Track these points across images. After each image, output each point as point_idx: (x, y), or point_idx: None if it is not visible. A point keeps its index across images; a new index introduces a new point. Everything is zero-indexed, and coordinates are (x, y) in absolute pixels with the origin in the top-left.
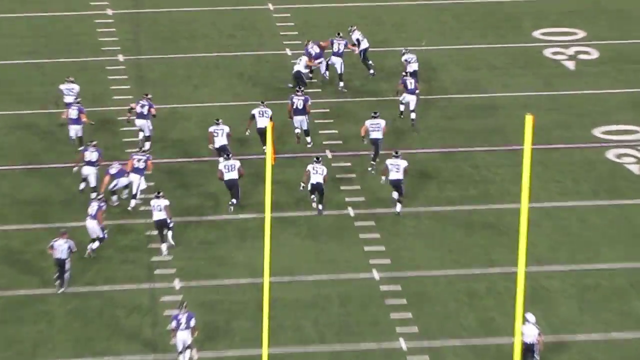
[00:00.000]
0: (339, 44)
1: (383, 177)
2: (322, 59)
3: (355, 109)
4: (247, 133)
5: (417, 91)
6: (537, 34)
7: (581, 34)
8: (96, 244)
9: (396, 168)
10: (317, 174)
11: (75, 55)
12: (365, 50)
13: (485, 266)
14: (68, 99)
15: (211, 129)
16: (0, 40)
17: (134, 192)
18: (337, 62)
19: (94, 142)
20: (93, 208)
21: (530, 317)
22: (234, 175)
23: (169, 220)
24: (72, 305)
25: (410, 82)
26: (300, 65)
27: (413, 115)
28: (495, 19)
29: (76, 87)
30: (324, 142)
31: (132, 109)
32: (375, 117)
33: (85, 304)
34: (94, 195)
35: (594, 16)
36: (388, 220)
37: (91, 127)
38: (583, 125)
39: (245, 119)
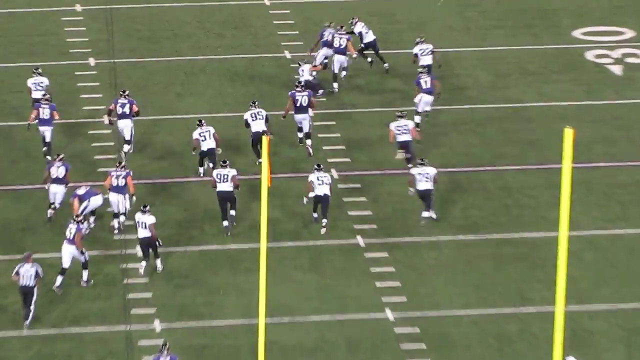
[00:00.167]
0: (340, 38)
1: (411, 189)
2: (326, 60)
3: (364, 119)
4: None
5: (433, 90)
6: (577, 33)
7: (629, 33)
8: (60, 279)
9: (425, 177)
10: (322, 184)
11: (39, 59)
12: (374, 43)
13: (518, 305)
14: (36, 94)
15: (195, 134)
16: None
17: (116, 210)
18: (340, 60)
19: (61, 156)
20: (71, 231)
21: None
22: (227, 186)
23: (156, 241)
24: (34, 350)
25: (425, 81)
26: (305, 75)
27: (428, 107)
28: (529, 16)
29: (45, 81)
30: (328, 160)
31: (111, 111)
32: (401, 117)
33: (51, 348)
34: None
35: None
36: (404, 251)
37: (61, 138)
38: (631, 140)
39: (238, 131)
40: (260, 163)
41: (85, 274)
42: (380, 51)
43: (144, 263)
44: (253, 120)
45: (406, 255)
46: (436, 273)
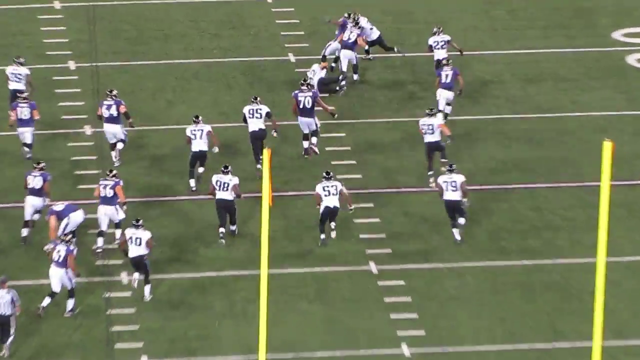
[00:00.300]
0: (350, 32)
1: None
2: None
3: (377, 129)
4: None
5: (454, 86)
6: (617, 35)
7: None
8: (47, 301)
9: (452, 186)
10: (329, 195)
11: (12, 62)
12: (380, 40)
13: (550, 339)
14: (14, 85)
15: (188, 131)
16: None
17: (103, 226)
18: (348, 56)
19: (41, 165)
20: (60, 253)
21: None
22: (227, 195)
23: (146, 260)
24: None
25: (447, 74)
26: (317, 75)
27: (448, 109)
28: (563, 15)
29: (24, 71)
30: (337, 176)
31: (101, 117)
32: (430, 115)
33: None
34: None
35: None
36: (422, 279)
37: (36, 150)
38: None
39: (236, 139)
40: (260, 170)
41: (70, 303)
42: (399, 52)
43: (136, 275)
44: (250, 117)
45: (424, 284)
46: (458, 303)
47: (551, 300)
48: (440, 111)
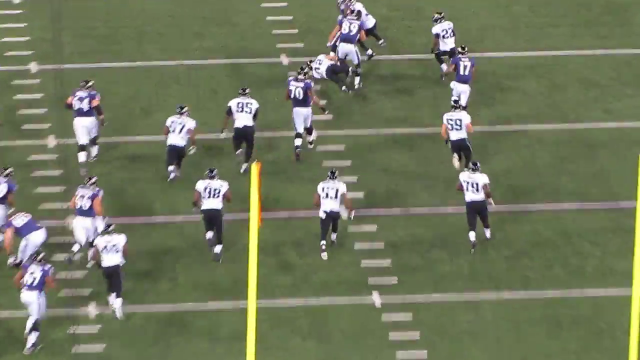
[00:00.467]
0: (350, 23)
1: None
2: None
3: (382, 142)
4: (222, 135)
5: (470, 79)
6: None
7: None
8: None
9: (472, 186)
10: (328, 197)
11: None
12: (374, 29)
13: None
14: None
15: (169, 120)
16: None
17: (82, 242)
18: (347, 50)
19: (7, 171)
20: (34, 275)
21: None
22: (216, 203)
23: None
24: None
25: (465, 66)
26: (323, 67)
27: (463, 102)
28: (593, 11)
29: None
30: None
31: (69, 106)
32: (455, 109)
33: None
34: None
35: None
36: (431, 312)
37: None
38: None
39: (218, 156)
40: (245, 171)
41: (33, 337)
42: (383, 44)
43: (116, 303)
44: (238, 111)
45: (434, 317)
46: (473, 340)
47: (579, 337)
48: (463, 107)
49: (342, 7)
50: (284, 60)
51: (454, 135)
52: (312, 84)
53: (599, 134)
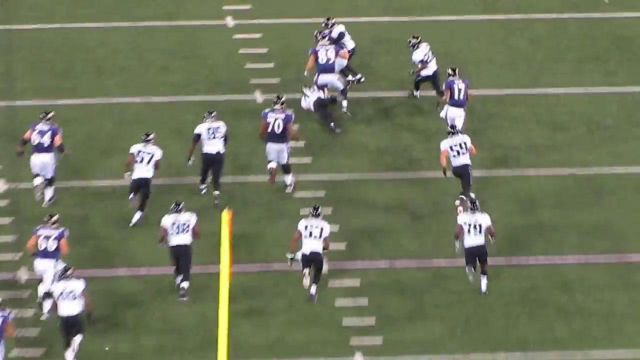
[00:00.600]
0: (326, 50)
1: (457, 243)
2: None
3: (367, 187)
4: (189, 163)
5: (466, 102)
6: None
7: None
8: None
9: (476, 228)
10: (311, 237)
11: None
12: (353, 51)
13: None
14: None
15: (134, 148)
16: None
17: (50, 285)
18: (328, 81)
19: None
20: None
21: None
22: (185, 239)
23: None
24: None
25: (460, 89)
26: (314, 96)
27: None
28: (600, 45)
29: None
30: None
31: (25, 141)
32: (454, 134)
33: None
34: None
35: None
36: None
37: None
38: None
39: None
40: (217, 197)
41: None
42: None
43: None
44: (209, 138)
45: None
46: None
47: None
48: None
49: (319, 37)
50: (258, 97)
51: (458, 161)
52: (293, 116)
53: (605, 180)
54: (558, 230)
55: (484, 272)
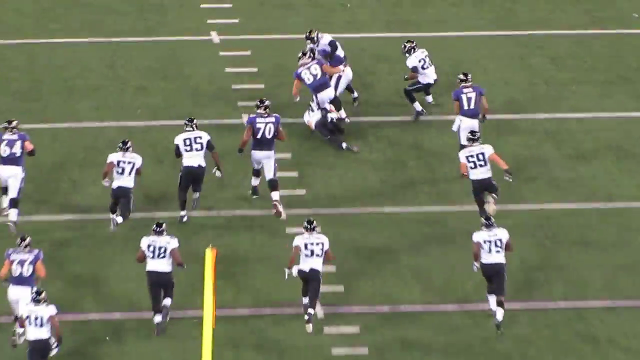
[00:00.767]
0: (309, 68)
1: (475, 264)
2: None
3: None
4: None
5: (479, 112)
6: None
7: None
8: None
9: (497, 245)
10: (314, 255)
11: None
12: (344, 62)
13: None
14: None
15: (113, 157)
16: None
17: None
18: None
19: None
20: None
21: None
22: (163, 265)
23: (52, 342)
24: None
25: (469, 98)
26: (314, 118)
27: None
28: (627, 65)
29: None
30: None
31: None
32: (474, 141)
33: None
34: None
35: None
36: None
37: None
38: None
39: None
40: (194, 206)
41: None
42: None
43: None
44: (187, 150)
45: None
46: None
47: None
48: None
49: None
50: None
51: (477, 175)
52: (279, 118)
53: (633, 215)
54: (581, 272)
55: (500, 296)
